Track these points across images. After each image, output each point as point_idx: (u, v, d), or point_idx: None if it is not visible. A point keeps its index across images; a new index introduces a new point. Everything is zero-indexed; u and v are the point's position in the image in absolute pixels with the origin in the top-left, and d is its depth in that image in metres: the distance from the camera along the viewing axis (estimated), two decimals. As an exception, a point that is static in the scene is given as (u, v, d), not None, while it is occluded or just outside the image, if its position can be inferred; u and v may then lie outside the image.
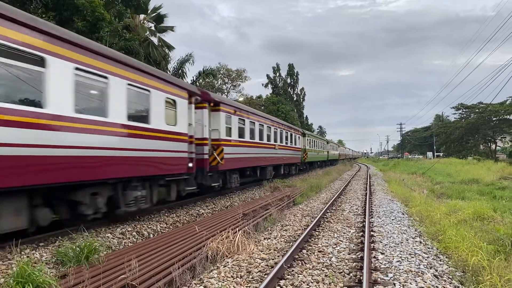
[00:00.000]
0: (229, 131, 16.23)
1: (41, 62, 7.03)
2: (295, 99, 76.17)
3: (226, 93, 49.30)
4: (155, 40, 26.30)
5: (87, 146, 8.07)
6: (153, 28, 26.76)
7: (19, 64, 6.66)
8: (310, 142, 38.33)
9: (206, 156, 14.16)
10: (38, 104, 7.00)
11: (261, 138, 21.12)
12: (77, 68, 7.82)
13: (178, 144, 11.81)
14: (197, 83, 30.24)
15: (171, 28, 27.08)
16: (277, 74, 73.46)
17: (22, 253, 6.83)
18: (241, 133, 17.82)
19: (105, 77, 8.62)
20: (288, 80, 75.79)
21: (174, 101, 11.65)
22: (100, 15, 16.13)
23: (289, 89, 75.15)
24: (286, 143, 27.50)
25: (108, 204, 9.07)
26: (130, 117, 9.52)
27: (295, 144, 30.83)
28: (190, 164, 12.54)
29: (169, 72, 25.86)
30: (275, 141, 24.18)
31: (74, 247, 6.64)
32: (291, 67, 76.54)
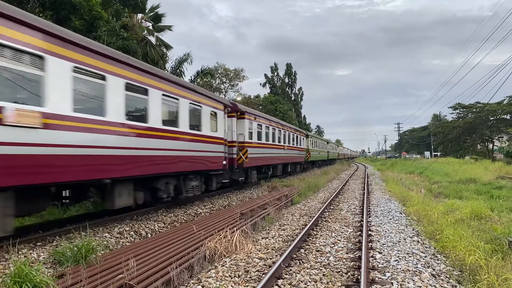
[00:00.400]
0: (250, 134, 19.43)
1: (145, 91, 10.29)
2: (293, 98, 76.16)
3: (224, 93, 49.30)
4: (153, 39, 26.25)
5: (169, 149, 11.26)
6: (150, 27, 26.70)
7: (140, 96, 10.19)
8: (312, 143, 41.63)
9: (234, 156, 17.62)
10: (143, 120, 10.26)
11: (273, 140, 24.19)
12: (163, 95, 11.13)
13: (218, 146, 15.11)
14: (195, 83, 30.20)
15: (169, 28, 27.01)
16: (275, 73, 73.49)
17: (20, 252, 6.81)
18: (259, 136, 21.11)
19: (177, 99, 11.95)
20: (286, 80, 75.80)
21: (215, 113, 15.02)
22: (97, 14, 16.08)
23: (287, 89, 75.14)
24: (293, 144, 30.48)
25: (174, 191, 12.19)
26: (191, 127, 12.77)
27: (300, 145, 33.86)
28: (224, 162, 15.64)
29: (167, 71, 25.82)
30: (284, 142, 27.14)
31: (71, 246, 6.63)
32: (289, 66, 76.55)
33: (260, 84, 72.01)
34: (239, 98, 47.19)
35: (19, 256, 6.59)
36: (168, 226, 10.47)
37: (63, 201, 9.75)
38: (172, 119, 11.80)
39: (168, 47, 27.32)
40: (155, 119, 10.56)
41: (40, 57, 7.00)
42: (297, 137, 32.53)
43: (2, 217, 6.56)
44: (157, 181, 11.12)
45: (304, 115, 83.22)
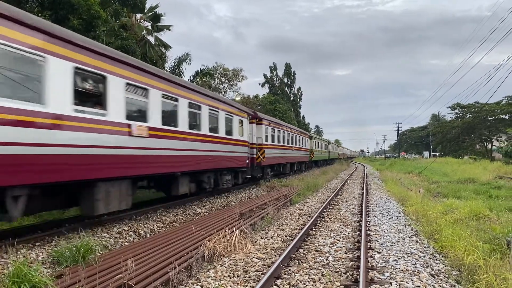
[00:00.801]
0: (266, 138, 23.09)
1: (199, 108, 13.70)
2: (292, 98, 76.12)
3: (223, 93, 49.27)
4: (151, 39, 26.21)
5: (212, 150, 14.67)
6: (149, 27, 26.66)
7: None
8: (315, 144, 45.13)
9: (254, 156, 21.04)
10: (198, 128, 13.62)
11: (284, 142, 27.64)
12: (210, 109, 14.51)
13: (244, 148, 18.63)
14: (194, 83, 30.19)
15: (168, 27, 26.96)
16: (274, 73, 73.44)
17: (18, 252, 6.81)
18: (273, 139, 24.58)
19: (217, 111, 15.36)
20: (285, 80, 75.76)
21: (242, 120, 18.69)
22: (96, 14, 16.04)
23: (286, 89, 75.10)
24: (299, 145, 33.98)
25: (214, 183, 15.44)
26: (226, 133, 16.30)
27: (305, 145, 37.36)
28: (247, 161, 19.00)
29: (166, 71, 25.80)
30: (292, 144, 30.64)
31: (70, 246, 6.62)
32: (288, 66, 76.49)
33: (259, 84, 72.12)
34: (238, 98, 47.15)
35: (17, 256, 6.58)
36: (167, 226, 10.47)
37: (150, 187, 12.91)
38: (214, 127, 15.15)
39: (167, 47, 27.28)
40: (205, 128, 14.03)
41: (146, 90, 10.40)
42: (302, 138, 35.78)
43: (127, 196, 9.82)
44: (203, 175, 14.43)
45: (303, 115, 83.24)
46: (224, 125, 16.00)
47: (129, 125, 9.47)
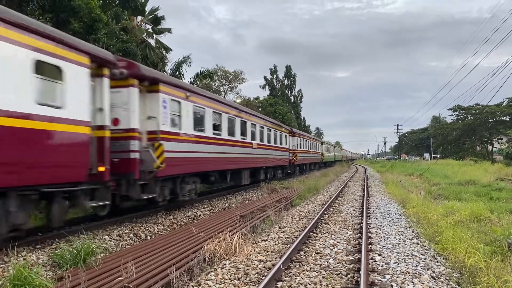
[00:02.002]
0: (297, 145, 32.90)
1: (262, 127, 22.66)
2: (292, 100, 76.09)
3: (223, 95, 49.29)
4: (152, 42, 26.25)
5: (270, 154, 23.62)
6: (150, 30, 26.71)
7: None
8: (325, 148, 55.26)
9: (291, 158, 30.12)
10: (261, 140, 22.45)
11: (306, 148, 37.96)
12: (268, 129, 23.64)
13: (286, 153, 28.38)
14: (195, 84, 30.22)
15: (168, 30, 27.01)
16: (275, 75, 73.45)
17: (19, 255, 6.80)
18: (301, 146, 34.70)
19: (275, 130, 25.21)
20: (286, 82, 75.75)
21: (286, 135, 28.80)
22: (97, 16, 16.06)
23: (286, 91, 75.11)
24: (314, 150, 43.85)
25: (267, 176, 23.25)
26: (274, 142, 24.54)
27: (318, 149, 46.84)
28: (287, 161, 28.72)
29: (167, 73, 25.84)
30: (311, 148, 41.02)
31: (71, 249, 6.62)
32: (288, 68, 76.51)
33: (260, 86, 71.96)
34: (238, 100, 47.17)
35: (18, 259, 6.58)
36: (168, 229, 10.46)
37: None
38: (270, 139, 24.16)
39: (167, 49, 27.31)
40: (267, 140, 23.33)
41: (234, 118, 17.75)
42: (316, 144, 46.05)
43: (245, 178, 19.02)
44: (259, 170, 21.96)
45: (303, 117, 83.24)
46: (278, 138, 26.28)
47: (240, 141, 18.24)
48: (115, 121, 9.93)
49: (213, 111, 15.05)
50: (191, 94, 13.14)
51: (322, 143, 51.94)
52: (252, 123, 20.36)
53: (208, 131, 14.55)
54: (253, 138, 20.50)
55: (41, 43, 7.24)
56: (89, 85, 8.51)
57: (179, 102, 12.25)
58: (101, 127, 8.87)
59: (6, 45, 6.57)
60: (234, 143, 17.36)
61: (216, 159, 15.19)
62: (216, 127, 15.47)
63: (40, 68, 7.22)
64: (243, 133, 18.75)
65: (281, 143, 26.67)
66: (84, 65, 8.29)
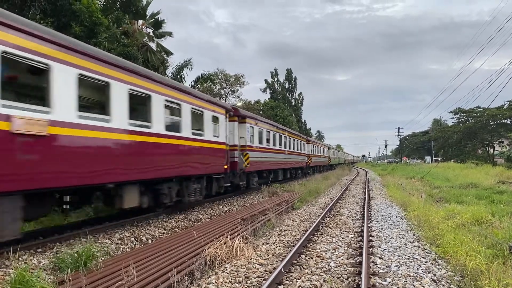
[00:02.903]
0: (311, 151, 40.41)
1: (280, 136, 27.38)
2: (293, 104, 76.25)
3: (224, 98, 49.35)
4: (153, 45, 26.33)
5: (293, 158, 30.30)
6: (151, 33, 26.80)
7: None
8: (331, 152, 63.50)
9: (306, 160, 36.85)
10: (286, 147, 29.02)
11: (316, 152, 45.16)
12: (293, 139, 30.94)
13: (304, 157, 35.43)
14: (196, 88, 30.28)
15: (169, 34, 27.11)
16: (275, 79, 73.61)
17: (20, 259, 6.80)
18: (313, 151, 41.77)
19: (297, 139, 32.94)
20: (286, 85, 75.91)
21: (303, 143, 35.69)
22: (98, 20, 16.13)
23: (287, 94, 75.24)
24: (323, 154, 52.35)
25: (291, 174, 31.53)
26: (296, 149, 31.64)
27: (325, 154, 54.99)
28: (305, 163, 35.94)
29: (168, 77, 25.89)
30: (319, 153, 48.28)
31: (72, 253, 6.62)
32: (289, 72, 76.71)
33: (261, 90, 72.13)
34: (239, 104, 47.24)
35: (19, 263, 6.58)
36: (169, 232, 10.46)
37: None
38: (294, 147, 30.63)
39: (168, 53, 27.40)
40: (293, 148, 29.64)
41: (281, 135, 27.10)
42: (324, 149, 54.90)
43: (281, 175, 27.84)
44: (288, 170, 28.36)
45: (304, 120, 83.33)
46: (298, 146, 32.76)
47: (284, 151, 25.91)
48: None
49: (267, 130, 23.18)
50: (258, 121, 21.48)
51: (328, 148, 62.46)
52: (284, 136, 28.12)
53: (265, 143, 22.60)
54: (285, 146, 27.96)
55: (217, 108, 15.26)
56: (225, 123, 16.17)
57: (252, 127, 20.28)
58: (225, 144, 16.00)
59: (219, 115, 15.54)
60: (276, 151, 25.46)
61: (268, 162, 23.21)
62: (268, 140, 23.26)
63: (215, 119, 14.92)
64: (280, 143, 26.50)
65: (301, 150, 34.18)
66: (223, 114, 16.02)
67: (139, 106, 10.35)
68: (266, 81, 72.33)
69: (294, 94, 77.49)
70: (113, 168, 9.00)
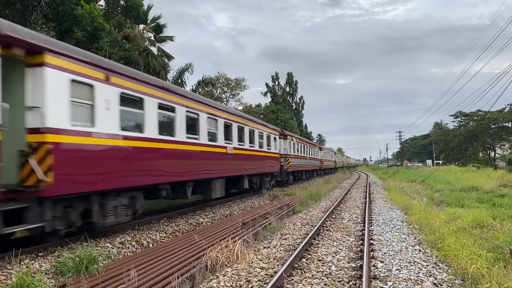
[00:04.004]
0: (323, 156, 50.32)
1: (310, 147, 42.29)
2: (294, 107, 76.27)
3: (225, 102, 49.44)
4: (154, 50, 26.43)
5: (311, 162, 41.39)
6: (152, 38, 26.90)
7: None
8: (337, 157, 74.09)
9: (320, 164, 47.20)
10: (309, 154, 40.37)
11: (327, 157, 54.51)
12: (311, 148, 42.31)
13: (318, 161, 45.38)
14: (197, 92, 30.35)
15: (171, 38, 27.21)
16: (276, 82, 73.66)
17: (22, 263, 6.82)
18: (324, 156, 51.27)
19: (315, 148, 46.03)
20: (287, 89, 75.96)
21: (317, 150, 45.64)
22: (99, 25, 16.21)
23: (288, 98, 75.29)
24: (330, 158, 61.26)
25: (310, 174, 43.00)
26: (311, 154, 40.83)
27: (332, 158, 64.62)
28: (318, 166, 46.16)
29: (169, 81, 25.97)
30: (328, 157, 56.67)
31: (73, 257, 6.64)
32: (290, 75, 76.75)
33: (262, 93, 72.13)
34: (240, 108, 47.30)
35: (21, 267, 6.59)
36: (170, 236, 10.47)
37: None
38: (312, 153, 41.37)
39: (169, 57, 27.49)
40: (311, 154, 40.63)
41: (312, 148, 42.64)
42: (331, 154, 64.92)
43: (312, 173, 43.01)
44: (308, 171, 39.55)
45: (305, 124, 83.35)
46: (314, 152, 42.38)
47: (306, 157, 36.47)
48: (286, 155, 28.53)
49: (297, 143, 32.56)
50: (293, 137, 31.48)
51: (335, 153, 73.13)
52: (307, 146, 37.93)
53: (298, 153, 32.54)
54: (307, 154, 37.56)
55: (273, 131, 25.35)
56: (278, 140, 26.11)
57: (290, 142, 29.54)
58: (286, 156, 27.39)
59: (275, 135, 25.85)
60: (303, 157, 35.38)
61: (299, 165, 33.15)
62: (298, 150, 32.70)
63: (274, 138, 24.69)
64: (305, 151, 36.49)
65: (316, 155, 44.30)
66: (277, 134, 25.95)
67: (240, 133, 18.30)
68: (267, 84, 72.40)
69: (295, 97, 77.51)
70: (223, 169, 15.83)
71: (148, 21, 25.37)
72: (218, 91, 48.73)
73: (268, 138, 22.96)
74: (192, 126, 13.25)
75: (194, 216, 13.47)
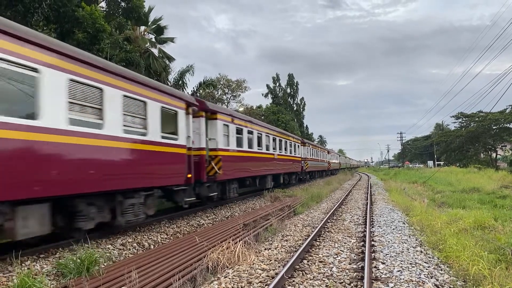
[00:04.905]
0: (330, 158, 57.68)
1: (321, 152, 51.59)
2: (295, 108, 76.32)
3: (226, 103, 49.48)
4: (155, 51, 26.47)
5: (322, 164, 49.40)
6: (153, 39, 26.95)
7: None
8: (341, 159, 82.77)
9: (327, 165, 53.93)
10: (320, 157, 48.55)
11: (334, 159, 63.49)
12: (324, 151, 52.61)
13: (326, 163, 52.04)
14: (197, 94, 30.37)
15: (172, 40, 27.25)
16: (277, 84, 73.72)
17: (23, 264, 6.83)
18: (331, 158, 58.93)
19: (321, 152, 50.61)
20: (288, 90, 76.02)
21: (325, 153, 53.49)
22: (101, 27, 16.25)
23: (289, 99, 75.35)
24: (336, 161, 66.70)
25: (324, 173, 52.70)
26: (322, 157, 49.61)
27: (337, 160, 71.50)
28: (326, 167, 53.54)
29: (170, 83, 25.99)
30: (335, 160, 63.85)
31: (74, 258, 6.64)
32: (291, 77, 76.82)
33: (262, 95, 72.25)
34: (241, 109, 47.32)
35: (22, 268, 6.60)
36: (171, 238, 10.47)
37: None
38: (322, 158, 47.93)
39: (170, 59, 27.53)
40: (322, 157, 48.96)
41: (327, 153, 54.24)
42: (337, 156, 73.04)
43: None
44: (319, 172, 47.43)
45: (306, 125, 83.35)
46: (323, 155, 49.46)
47: (318, 159, 43.92)
48: (305, 159, 35.86)
49: (313, 148, 39.11)
50: (310, 144, 39.98)
51: (339, 155, 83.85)
52: (317, 150, 44.61)
53: (314, 156, 40.09)
54: (317, 156, 42.86)
55: (296, 140, 33.42)
56: (300, 147, 33.98)
57: (307, 148, 36.98)
58: (305, 159, 35.56)
59: (297, 143, 33.22)
60: (316, 159, 41.84)
61: (314, 166, 39.91)
62: (313, 154, 39.69)
63: (298, 146, 33.19)
64: (315, 154, 42.09)
65: (324, 158, 50.38)
66: (299, 142, 34.53)
67: (280, 143, 25.39)
68: (268, 86, 72.47)
69: (296, 99, 77.57)
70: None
71: (149, 23, 25.44)
72: (219, 93, 48.77)
73: (295, 146, 31.24)
74: (259, 140, 21.13)
75: (195, 217, 13.47)
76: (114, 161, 8.96)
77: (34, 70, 6.88)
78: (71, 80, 7.70)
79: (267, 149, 22.50)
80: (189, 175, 12.57)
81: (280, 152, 25.53)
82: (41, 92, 6.99)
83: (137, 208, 9.90)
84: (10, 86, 6.54)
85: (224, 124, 15.92)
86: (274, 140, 24.12)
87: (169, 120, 11.54)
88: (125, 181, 9.24)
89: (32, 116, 6.84)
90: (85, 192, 8.08)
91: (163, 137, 10.96)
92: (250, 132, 19.31)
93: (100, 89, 8.53)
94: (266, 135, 22.54)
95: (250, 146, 19.19)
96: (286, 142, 27.59)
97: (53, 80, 7.27)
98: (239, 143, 17.70)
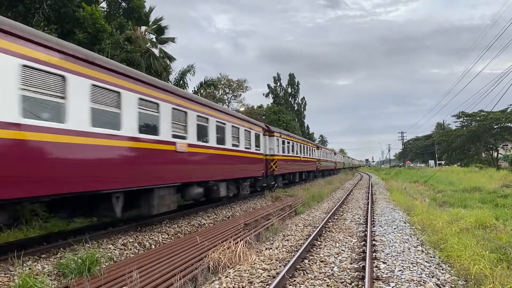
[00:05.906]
0: (336, 159, 64.88)
1: (330, 153, 62.08)
2: (296, 108, 76.32)
3: (227, 103, 49.51)
4: (156, 51, 26.46)
5: (328, 163, 55.13)
6: (154, 39, 26.95)
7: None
8: (345, 159, 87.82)
9: (334, 165, 61.41)
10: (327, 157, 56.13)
11: (338, 160, 67.12)
12: (327, 151, 59.43)
13: (333, 163, 59.57)
14: (199, 93, 30.39)
15: (172, 40, 27.24)
16: (278, 83, 73.75)
17: (24, 265, 6.84)
18: (337, 159, 65.15)
19: (327, 153, 56.45)
20: (289, 90, 76.03)
21: (332, 154, 61.82)
22: (101, 27, 16.26)
23: (290, 99, 75.36)
24: (340, 160, 71.94)
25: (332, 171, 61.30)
26: (328, 157, 55.11)
27: (341, 160, 76.02)
28: (333, 167, 60.77)
29: (171, 82, 26.00)
30: (339, 160, 71.44)
31: (75, 258, 6.65)
32: (291, 76, 76.83)
33: (263, 94, 72.29)
34: (242, 109, 47.36)
35: (23, 268, 6.61)
36: (172, 237, 10.48)
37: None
38: (330, 158, 56.37)
39: (171, 59, 27.52)
40: (327, 157, 54.01)
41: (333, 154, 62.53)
42: (341, 157, 77.66)
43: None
44: (328, 171, 53.99)
45: (307, 125, 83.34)
46: (330, 156, 56.69)
47: (327, 160, 52.17)
48: (318, 160, 43.65)
49: (323, 151, 46.47)
50: (322, 148, 52.11)
51: (343, 156, 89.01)
52: (326, 152, 48.53)
53: (324, 157, 47.09)
54: (326, 157, 45.50)
55: (313, 145, 41.57)
56: (316, 150, 43.15)
57: (320, 150, 44.83)
58: (319, 160, 43.38)
59: (313, 147, 41.44)
60: (326, 160, 48.10)
61: (325, 166, 48.96)
62: (325, 156, 46.04)
63: (313, 149, 40.16)
64: (325, 156, 44.87)
65: (331, 159, 55.88)
66: (315, 147, 42.59)
67: (304, 149, 33.98)
68: (268, 86, 72.53)
69: (297, 98, 77.57)
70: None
71: (150, 23, 25.42)
72: (220, 93, 48.79)
73: (311, 150, 38.90)
74: (293, 147, 29.60)
75: (196, 217, 13.48)
76: (241, 163, 17.57)
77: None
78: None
79: (297, 153, 30.96)
80: (263, 171, 21.27)
81: (303, 155, 33.69)
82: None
83: (247, 188, 18.70)
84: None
85: (277, 139, 24.61)
86: (300, 146, 32.56)
87: (257, 139, 20.72)
88: (244, 172, 17.87)
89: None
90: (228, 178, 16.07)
91: (256, 148, 20.09)
92: (288, 142, 27.96)
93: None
94: (297, 143, 31.27)
95: (288, 152, 27.92)
96: (306, 147, 35.54)
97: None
98: (283, 150, 26.34)
